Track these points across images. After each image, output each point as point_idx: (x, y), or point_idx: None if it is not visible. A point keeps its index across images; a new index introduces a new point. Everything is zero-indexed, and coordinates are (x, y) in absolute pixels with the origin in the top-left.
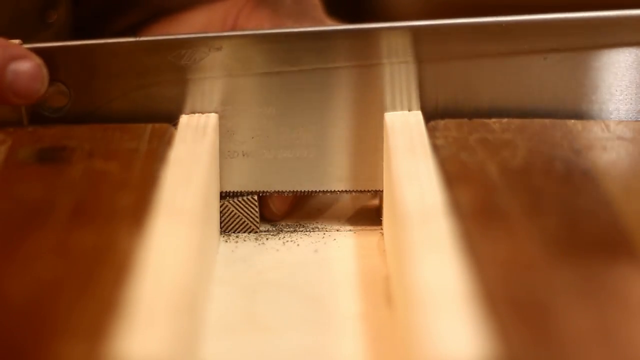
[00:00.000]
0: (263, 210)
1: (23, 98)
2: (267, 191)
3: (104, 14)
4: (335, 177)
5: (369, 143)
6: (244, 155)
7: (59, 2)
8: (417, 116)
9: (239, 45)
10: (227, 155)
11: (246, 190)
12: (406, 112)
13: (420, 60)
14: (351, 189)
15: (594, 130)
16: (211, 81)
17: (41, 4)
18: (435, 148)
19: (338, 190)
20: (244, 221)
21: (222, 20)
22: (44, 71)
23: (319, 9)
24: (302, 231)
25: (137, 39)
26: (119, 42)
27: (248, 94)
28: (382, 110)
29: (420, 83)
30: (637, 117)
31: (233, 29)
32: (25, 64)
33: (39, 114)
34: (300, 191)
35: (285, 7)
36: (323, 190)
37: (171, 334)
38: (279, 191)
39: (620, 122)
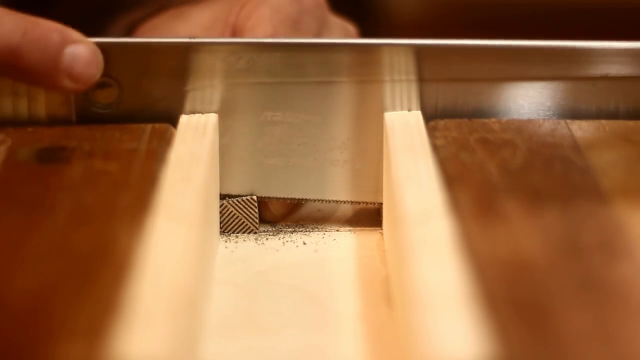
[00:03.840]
0: (262, 212)
1: (78, 83)
2: (265, 197)
3: (107, 9)
4: (334, 186)
5: (369, 153)
6: (241, 162)
7: None
8: (417, 116)
9: (289, 51)
10: (226, 160)
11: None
12: (406, 112)
13: (421, 79)
14: (350, 200)
15: (593, 130)
16: (210, 88)
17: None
18: (435, 148)
19: (337, 200)
20: (243, 222)
21: (224, 17)
22: (100, 57)
23: (322, 6)
24: (301, 231)
25: (192, 39)
26: (173, 42)
27: (246, 100)
28: (381, 120)
29: (420, 85)
30: None
31: (234, 28)
32: (82, 48)
33: (87, 111)
34: (298, 199)
35: (287, 6)
36: (321, 200)
37: (170, 334)
38: (277, 198)
39: (618, 121)
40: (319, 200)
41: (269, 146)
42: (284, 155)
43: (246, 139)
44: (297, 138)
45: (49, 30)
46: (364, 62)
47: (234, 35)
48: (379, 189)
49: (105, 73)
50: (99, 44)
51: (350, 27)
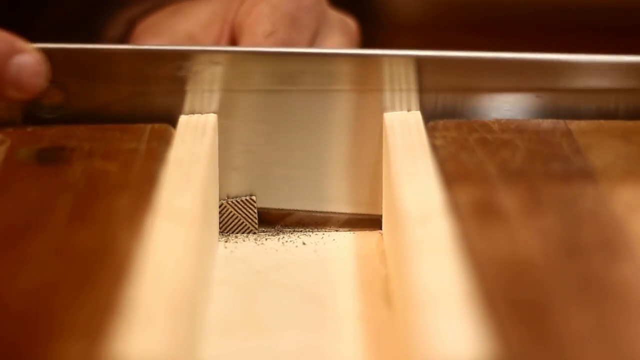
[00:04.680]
0: (262, 212)
1: (24, 92)
2: (262, 208)
3: (106, 5)
4: (332, 198)
5: (367, 163)
6: (238, 170)
7: None
8: (417, 116)
9: (237, 61)
10: (222, 170)
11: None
12: (405, 112)
13: (420, 88)
14: (348, 212)
15: (593, 130)
16: (209, 94)
17: None
18: (435, 148)
19: (335, 212)
20: (243, 222)
21: (223, 15)
22: (46, 67)
23: (321, 2)
24: (301, 231)
25: (137, 47)
26: (118, 49)
27: (243, 109)
28: (379, 132)
29: (419, 86)
30: None
31: (232, 25)
32: (28, 58)
33: (33, 115)
34: (296, 210)
35: (286, 3)
36: (319, 211)
37: (170, 334)
38: (274, 209)
39: (618, 121)
40: (315, 212)
41: (264, 154)
42: (278, 165)
43: (241, 146)
44: (291, 147)
45: None
46: (361, 72)
47: (232, 32)
48: (377, 201)
49: (51, 78)
50: (43, 49)
51: (351, 22)
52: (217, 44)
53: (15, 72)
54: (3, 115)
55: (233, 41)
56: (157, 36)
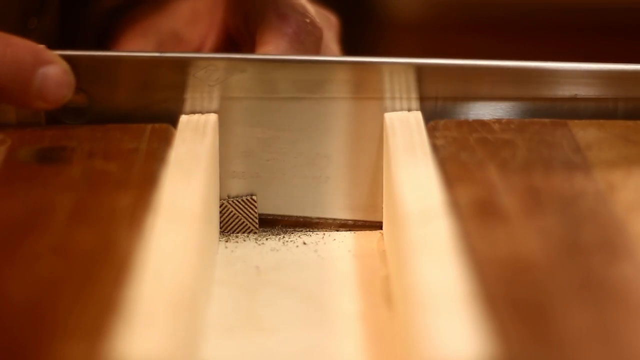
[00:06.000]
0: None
1: (49, 103)
2: (263, 214)
3: None
4: (333, 205)
5: (367, 169)
6: (239, 177)
7: (43, 9)
8: (417, 116)
9: (263, 69)
10: (223, 175)
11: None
12: (406, 111)
13: (420, 97)
14: (349, 219)
15: (593, 130)
16: (209, 96)
17: (22, 10)
18: (435, 148)
19: (335, 219)
20: (243, 222)
21: (210, 13)
22: (71, 77)
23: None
24: (301, 231)
25: (162, 54)
26: (142, 56)
27: (244, 114)
28: (379, 138)
29: (419, 82)
30: None
31: (222, 24)
32: (53, 69)
33: (57, 121)
34: (296, 216)
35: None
36: (320, 217)
37: (171, 334)
38: (274, 215)
39: (618, 121)
40: (315, 218)
41: (264, 163)
42: (280, 172)
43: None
44: (289, 154)
45: (22, 50)
46: (360, 80)
47: (228, 33)
48: (377, 207)
49: (76, 85)
50: (67, 56)
51: (332, 17)
52: (204, 41)
53: (40, 82)
54: (29, 121)
55: (228, 42)
56: (142, 36)
